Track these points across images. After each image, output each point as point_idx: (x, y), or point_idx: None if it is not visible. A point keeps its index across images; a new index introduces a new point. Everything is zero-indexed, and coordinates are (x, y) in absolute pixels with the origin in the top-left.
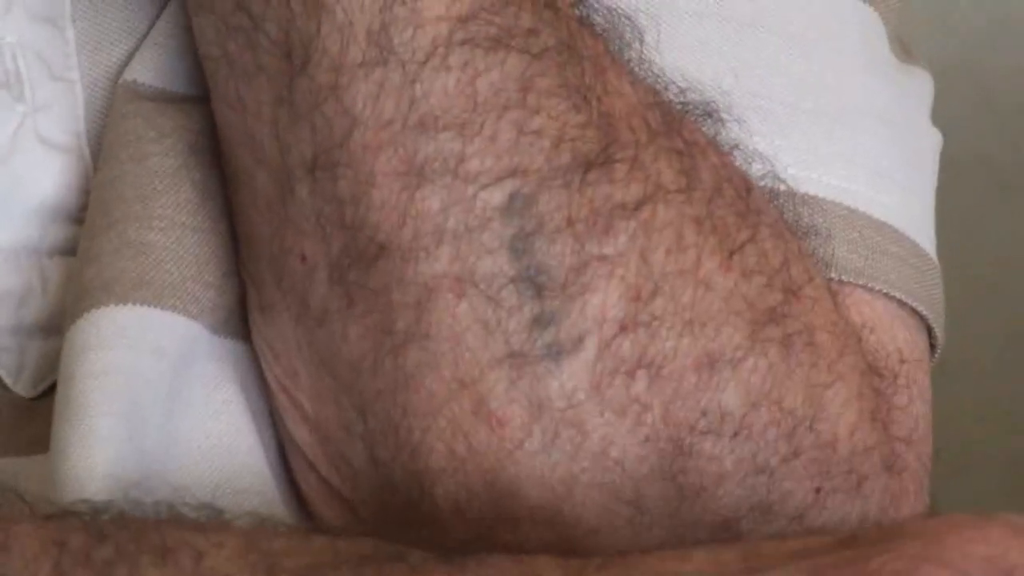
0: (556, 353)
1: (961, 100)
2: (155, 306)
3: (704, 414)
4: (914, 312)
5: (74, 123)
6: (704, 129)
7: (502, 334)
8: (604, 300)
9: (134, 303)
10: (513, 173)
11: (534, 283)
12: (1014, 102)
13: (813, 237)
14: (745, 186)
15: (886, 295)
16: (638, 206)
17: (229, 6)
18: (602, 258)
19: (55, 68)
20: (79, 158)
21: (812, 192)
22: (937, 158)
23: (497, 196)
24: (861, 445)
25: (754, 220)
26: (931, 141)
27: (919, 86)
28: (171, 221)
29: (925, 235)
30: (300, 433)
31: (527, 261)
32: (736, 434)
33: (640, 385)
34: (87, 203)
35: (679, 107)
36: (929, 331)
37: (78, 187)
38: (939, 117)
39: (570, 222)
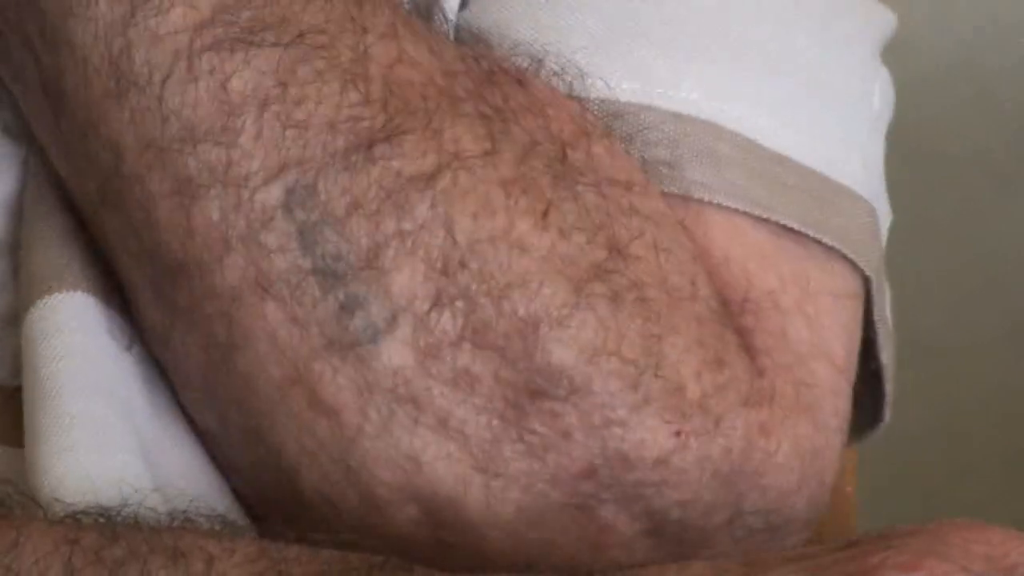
0: (372, 335)
1: (960, 97)
2: (98, 296)
3: (537, 374)
4: (818, 243)
5: None
6: (551, 82)
7: (315, 325)
8: (411, 276)
9: (83, 291)
10: (285, 167)
11: (332, 271)
12: (1011, 99)
13: (703, 161)
14: (569, 144)
15: (782, 226)
16: (434, 175)
17: (2, 51)
18: (401, 234)
19: None
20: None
21: (713, 120)
22: (884, 90)
23: (274, 193)
24: (711, 386)
25: (573, 179)
26: (858, 75)
27: (876, 19)
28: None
29: (839, 169)
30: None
31: (319, 251)
32: (575, 390)
33: (466, 356)
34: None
35: (499, 69)
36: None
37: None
38: (938, 114)
39: (357, 204)
